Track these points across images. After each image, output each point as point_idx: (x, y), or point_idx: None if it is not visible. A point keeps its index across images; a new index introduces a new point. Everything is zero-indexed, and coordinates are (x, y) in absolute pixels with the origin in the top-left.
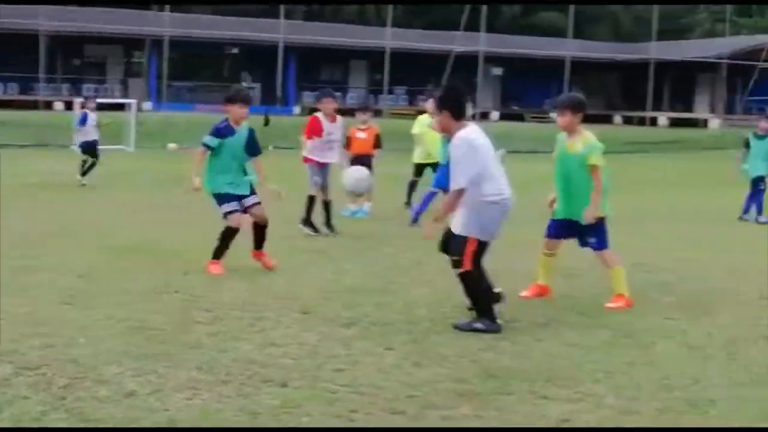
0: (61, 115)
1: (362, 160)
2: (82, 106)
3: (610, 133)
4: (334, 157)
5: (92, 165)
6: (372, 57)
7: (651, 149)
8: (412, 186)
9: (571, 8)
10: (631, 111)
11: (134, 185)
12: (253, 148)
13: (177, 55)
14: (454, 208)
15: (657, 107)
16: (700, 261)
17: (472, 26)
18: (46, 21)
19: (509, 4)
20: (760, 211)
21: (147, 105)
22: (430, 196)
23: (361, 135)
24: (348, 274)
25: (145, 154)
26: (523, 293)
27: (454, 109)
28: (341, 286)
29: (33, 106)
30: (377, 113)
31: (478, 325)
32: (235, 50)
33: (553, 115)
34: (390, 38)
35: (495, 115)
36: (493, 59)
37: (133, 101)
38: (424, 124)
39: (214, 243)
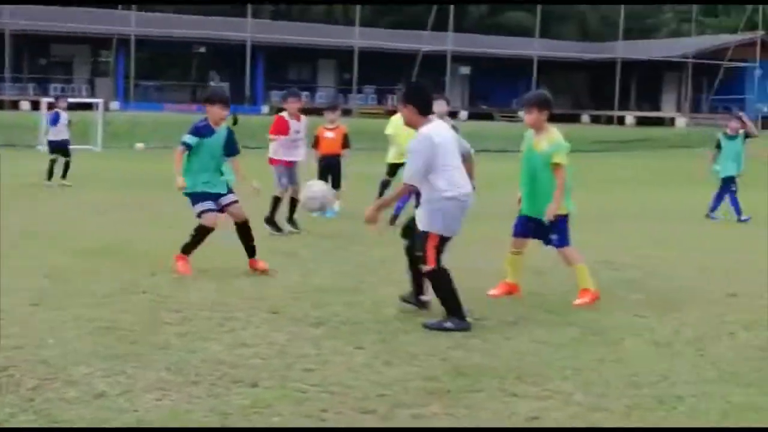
0: (27, 115)
1: (330, 159)
2: (52, 106)
3: (577, 132)
4: (300, 155)
5: (66, 165)
6: (340, 56)
7: (618, 148)
8: (385, 185)
9: (538, 8)
10: (599, 110)
11: (101, 185)
12: (231, 148)
13: (144, 55)
14: (396, 199)
15: (624, 106)
16: (667, 259)
17: (440, 26)
18: (11, 20)
19: (476, 4)
20: (739, 212)
21: (114, 104)
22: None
23: (330, 135)
24: (317, 274)
25: (113, 154)
26: (492, 291)
27: (419, 104)
28: (310, 285)
29: None
30: (346, 112)
31: (448, 324)
32: (202, 49)
33: (521, 114)
34: (358, 37)
35: (463, 114)
36: (460, 59)
37: (100, 101)
38: (398, 125)
39: (185, 240)
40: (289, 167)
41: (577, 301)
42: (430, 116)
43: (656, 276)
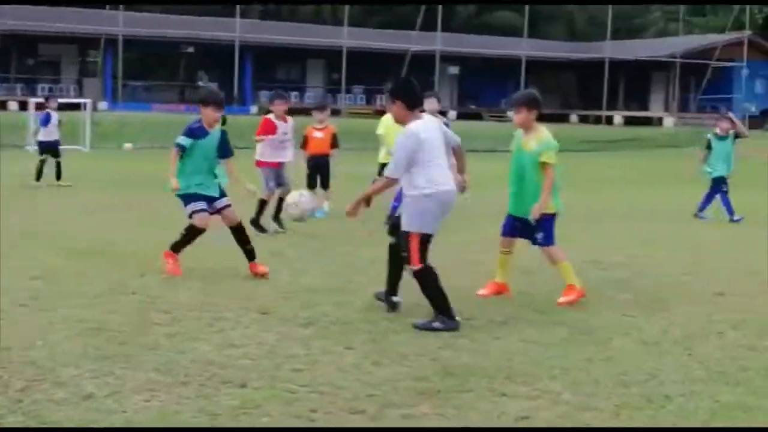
0: (15, 115)
1: (319, 159)
2: (42, 106)
3: (566, 132)
4: (288, 156)
5: (58, 165)
6: (329, 56)
7: (607, 148)
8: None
9: (527, 8)
10: (587, 110)
11: (90, 186)
12: (225, 149)
13: (132, 55)
14: (378, 193)
15: (612, 106)
16: (655, 258)
17: (428, 26)
18: None
19: (465, 4)
20: (731, 212)
21: (102, 105)
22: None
23: (318, 134)
24: (306, 274)
25: (101, 155)
26: (481, 291)
27: (407, 99)
28: (299, 285)
29: None
30: (335, 112)
31: (437, 324)
32: (191, 49)
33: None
34: (347, 37)
35: (452, 114)
36: (449, 58)
37: (88, 101)
38: (389, 124)
39: (176, 238)
40: (277, 169)
41: (562, 299)
42: (420, 113)
43: (644, 275)
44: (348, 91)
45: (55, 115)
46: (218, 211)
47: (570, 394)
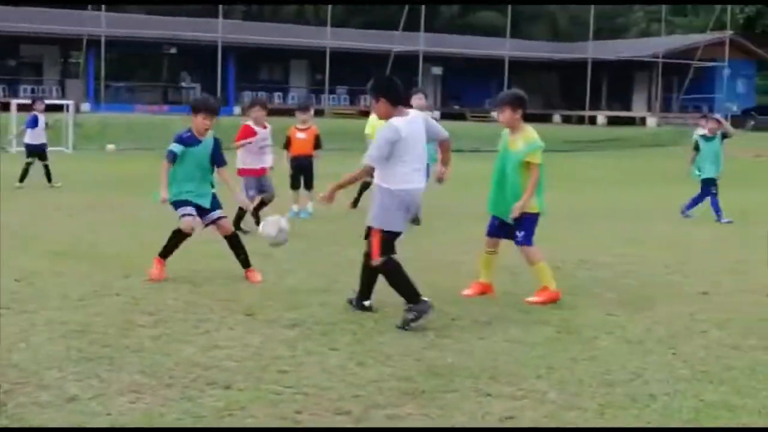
0: None
1: (302, 160)
2: (29, 108)
3: (549, 132)
4: (268, 161)
5: (46, 168)
6: (312, 56)
7: (590, 148)
8: (365, 186)
9: (509, 8)
10: (570, 110)
11: (73, 187)
12: (218, 158)
13: (115, 56)
14: (355, 180)
15: (595, 106)
16: (639, 257)
17: (412, 26)
18: None
19: (447, 4)
20: (719, 214)
21: (85, 106)
22: None
23: (301, 135)
24: (291, 275)
25: (84, 156)
26: (466, 291)
27: (390, 96)
28: (284, 286)
29: None
30: (319, 113)
31: (410, 316)
32: (173, 50)
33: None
34: (330, 38)
35: (436, 114)
36: (432, 59)
37: (70, 102)
38: (375, 124)
39: (162, 242)
40: (259, 176)
41: (531, 298)
42: (406, 109)
43: (628, 275)
44: (331, 92)
45: (42, 118)
46: (213, 222)
47: (555, 394)
